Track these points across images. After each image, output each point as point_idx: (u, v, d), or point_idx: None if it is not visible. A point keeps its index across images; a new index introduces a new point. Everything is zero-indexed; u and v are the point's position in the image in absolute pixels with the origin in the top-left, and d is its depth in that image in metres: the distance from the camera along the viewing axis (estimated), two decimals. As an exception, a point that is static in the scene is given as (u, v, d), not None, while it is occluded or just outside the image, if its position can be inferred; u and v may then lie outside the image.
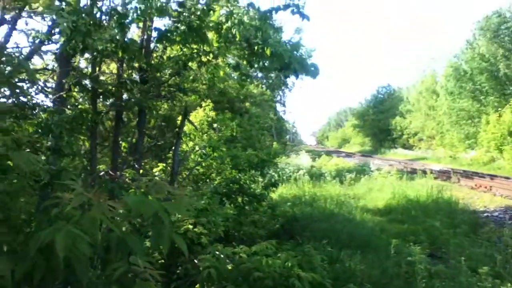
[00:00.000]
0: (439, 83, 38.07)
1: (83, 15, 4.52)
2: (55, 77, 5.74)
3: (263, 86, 28.36)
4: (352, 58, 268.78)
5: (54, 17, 4.36)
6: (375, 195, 12.18)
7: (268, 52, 5.71)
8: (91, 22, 4.66)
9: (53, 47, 5.15)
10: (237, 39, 5.92)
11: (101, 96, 6.33)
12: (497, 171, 22.76)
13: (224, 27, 5.86)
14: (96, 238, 1.90)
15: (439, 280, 5.16)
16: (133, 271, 1.96)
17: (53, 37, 5.62)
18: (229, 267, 4.03)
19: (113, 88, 6.28)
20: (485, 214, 10.29)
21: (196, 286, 4.10)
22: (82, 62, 6.80)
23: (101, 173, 6.06)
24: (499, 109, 26.90)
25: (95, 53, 5.55)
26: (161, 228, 2.06)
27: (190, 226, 4.94)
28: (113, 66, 6.87)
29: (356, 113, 67.20)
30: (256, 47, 5.86)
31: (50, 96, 5.31)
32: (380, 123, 55.24)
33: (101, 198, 1.93)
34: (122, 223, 2.21)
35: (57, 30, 4.72)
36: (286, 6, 5.27)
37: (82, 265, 1.79)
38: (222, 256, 4.07)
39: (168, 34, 5.68)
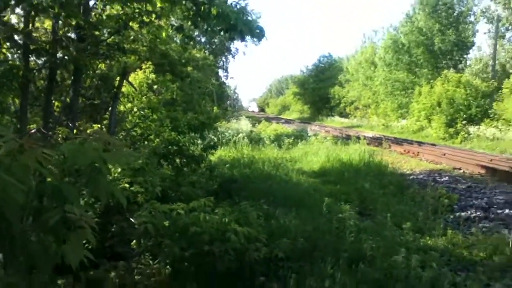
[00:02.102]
0: (378, 54, 39.27)
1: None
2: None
3: (206, 51, 27.86)
4: (296, 26, 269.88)
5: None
6: (311, 159, 12.57)
7: (214, 12, 5.62)
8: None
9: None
10: (182, -2, 5.77)
11: (33, 53, 6.00)
12: (425, 138, 24.24)
13: (169, -16, 5.69)
14: (29, 185, 1.85)
15: (366, 234, 5.51)
16: (69, 219, 1.94)
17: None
18: (166, 224, 4.07)
19: (47, 45, 5.95)
20: (411, 177, 10.99)
21: (132, 243, 4.13)
22: (14, 18, 6.39)
23: (32, 131, 5.81)
24: (432, 81, 28.39)
25: (28, 8, 5.22)
26: (99, 178, 2.05)
27: (127, 185, 4.90)
28: (48, 23, 6.49)
29: (297, 81, 67.98)
30: (202, 7, 5.75)
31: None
32: (320, 91, 56.35)
33: (33, 145, 1.89)
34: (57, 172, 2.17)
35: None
36: (231, -34, 5.19)
37: (14, 213, 1.75)
38: (159, 212, 4.10)
39: (109, -9, 5.44)
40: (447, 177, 10.65)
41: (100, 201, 2.12)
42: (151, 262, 4.12)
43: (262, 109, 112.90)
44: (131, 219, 4.30)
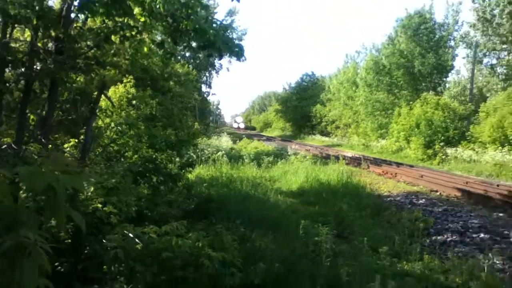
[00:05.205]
0: (360, 75, 39.85)
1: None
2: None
3: (190, 65, 27.86)
4: (280, 43, 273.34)
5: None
6: (290, 178, 12.56)
7: (190, 27, 5.58)
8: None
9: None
10: (162, 13, 5.74)
11: (10, 64, 5.86)
12: (403, 159, 24.51)
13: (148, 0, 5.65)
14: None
15: (343, 259, 5.47)
16: (23, 244, 1.83)
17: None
18: (138, 247, 3.96)
19: (24, 57, 5.83)
20: (389, 199, 11.05)
21: (104, 267, 3.99)
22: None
23: (4, 147, 5.65)
24: (411, 102, 28.91)
25: (5, 18, 5.12)
26: (55, 201, 1.97)
27: (100, 205, 4.77)
28: (28, 34, 6.36)
29: (280, 98, 68.43)
30: (181, 24, 5.72)
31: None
32: (302, 109, 56.78)
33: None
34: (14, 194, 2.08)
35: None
36: (216, -16, 5.19)
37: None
38: (131, 235, 3.98)
39: (91, 4, 5.37)
40: (424, 200, 10.73)
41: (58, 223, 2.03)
42: (125, 286, 3.98)
43: (249, 127, 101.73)
44: (104, 241, 4.17)
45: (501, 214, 9.16)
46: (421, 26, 32.21)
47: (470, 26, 31.13)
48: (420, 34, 32.09)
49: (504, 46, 29.99)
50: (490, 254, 6.24)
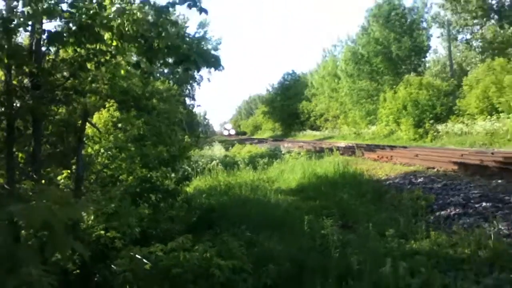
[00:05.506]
0: (339, 67, 40.15)
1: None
2: None
3: (170, 81, 27.84)
4: (258, 44, 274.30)
5: None
6: (287, 176, 12.56)
7: (161, 44, 5.58)
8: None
9: None
10: (132, 35, 5.73)
11: (-12, 107, 5.82)
12: (396, 141, 24.67)
13: (115, 24, 5.63)
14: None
15: (351, 248, 5.46)
16: (27, 283, 1.81)
17: None
18: (147, 267, 3.94)
19: (2, 96, 5.78)
20: (388, 182, 11.06)
21: (115, 292, 3.96)
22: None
23: (-4, 188, 5.59)
24: (394, 86, 29.25)
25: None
26: (54, 235, 1.94)
27: (102, 232, 4.75)
28: (1, 73, 6.32)
29: (265, 100, 68.68)
30: (153, 43, 5.72)
31: None
32: (288, 108, 57.05)
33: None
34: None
35: None
36: (183, 1, 5.18)
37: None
38: (138, 257, 3.96)
39: (60, 36, 5.34)
40: (422, 178, 10.75)
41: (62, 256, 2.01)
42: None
43: (240, 132, 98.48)
44: (112, 266, 4.15)
45: (499, 181, 9.21)
46: (391, 13, 32.70)
47: (440, 7, 31.66)
48: (392, 21, 32.66)
49: (476, 20, 30.45)
50: (494, 222, 6.29)
